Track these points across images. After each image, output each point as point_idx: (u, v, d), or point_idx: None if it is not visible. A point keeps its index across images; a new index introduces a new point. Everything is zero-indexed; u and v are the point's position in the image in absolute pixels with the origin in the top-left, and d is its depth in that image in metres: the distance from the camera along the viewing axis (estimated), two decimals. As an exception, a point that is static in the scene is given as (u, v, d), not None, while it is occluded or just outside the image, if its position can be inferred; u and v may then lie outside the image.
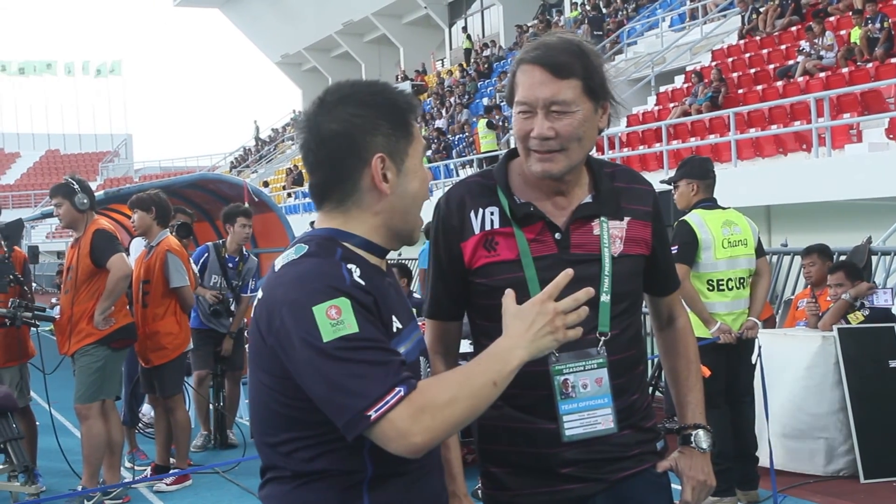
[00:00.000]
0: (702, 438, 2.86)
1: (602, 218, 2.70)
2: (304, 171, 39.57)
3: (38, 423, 7.97)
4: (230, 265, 9.18)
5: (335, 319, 2.10)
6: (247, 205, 9.95)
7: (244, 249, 9.41)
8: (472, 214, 2.69)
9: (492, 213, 2.68)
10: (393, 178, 2.28)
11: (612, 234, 2.69)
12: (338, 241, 2.28)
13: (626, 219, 2.73)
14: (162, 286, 7.75)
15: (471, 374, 2.17)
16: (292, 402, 2.20)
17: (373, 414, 2.05)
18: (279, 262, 2.27)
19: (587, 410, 2.62)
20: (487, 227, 2.67)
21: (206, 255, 9.19)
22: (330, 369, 2.09)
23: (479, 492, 2.82)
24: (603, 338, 2.64)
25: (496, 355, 2.19)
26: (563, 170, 2.63)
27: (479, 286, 2.68)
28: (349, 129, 2.25)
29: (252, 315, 2.30)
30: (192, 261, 8.76)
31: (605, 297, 2.64)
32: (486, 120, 26.83)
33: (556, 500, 2.67)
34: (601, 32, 29.15)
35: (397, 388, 2.07)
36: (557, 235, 2.66)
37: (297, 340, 2.11)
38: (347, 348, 2.08)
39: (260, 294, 2.27)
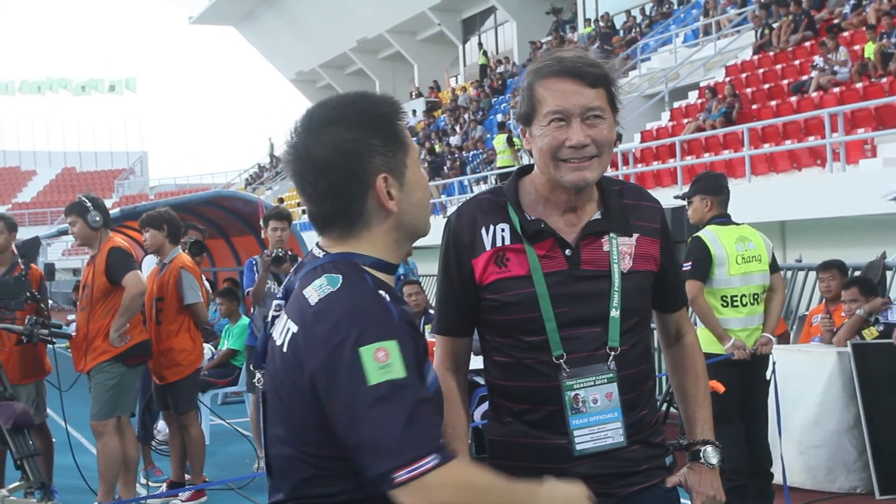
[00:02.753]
0: (710, 454, 2.87)
1: (612, 234, 2.74)
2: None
3: (54, 439, 8.00)
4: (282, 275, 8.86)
5: (384, 362, 2.03)
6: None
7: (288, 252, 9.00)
8: (484, 231, 2.72)
9: (503, 230, 2.71)
10: (397, 193, 2.25)
11: (621, 251, 2.73)
12: (359, 265, 2.23)
13: (636, 235, 2.77)
14: (176, 303, 7.79)
15: (511, 489, 2.18)
16: (317, 442, 2.16)
17: (401, 476, 1.99)
18: (312, 294, 2.16)
19: (597, 425, 2.66)
20: (499, 244, 2.71)
21: (253, 265, 8.92)
22: (368, 416, 2.02)
23: None
24: (613, 353, 2.68)
25: (535, 493, 2.21)
26: (596, 178, 2.68)
27: (489, 301, 2.70)
28: (345, 157, 2.19)
29: (280, 346, 2.23)
30: (244, 273, 8.70)
31: (614, 313, 2.68)
32: (506, 136, 26.79)
33: None
34: (610, 48, 29.16)
35: (435, 454, 2.01)
36: (568, 252, 2.70)
37: (340, 382, 2.05)
38: (391, 395, 2.02)
39: (294, 327, 2.18)
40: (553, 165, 2.66)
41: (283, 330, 2.23)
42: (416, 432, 2.02)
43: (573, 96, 2.63)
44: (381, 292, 2.16)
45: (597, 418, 2.66)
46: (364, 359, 2.03)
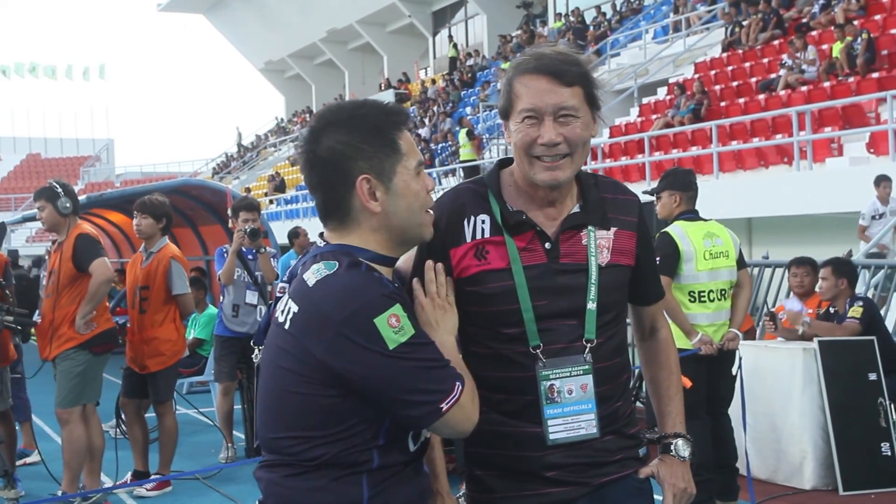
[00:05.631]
0: (682, 447, 2.92)
1: (590, 228, 2.76)
2: (285, 178, 39.53)
3: (17, 427, 7.94)
4: (249, 257, 8.89)
5: (396, 327, 2.34)
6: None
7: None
8: (466, 222, 2.73)
9: (483, 222, 2.73)
10: (382, 196, 2.48)
11: (599, 244, 2.75)
12: (355, 255, 2.47)
13: (613, 229, 2.79)
14: (163, 293, 7.75)
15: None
16: (329, 401, 2.39)
17: (444, 406, 2.38)
18: (310, 277, 2.42)
19: (571, 415, 2.69)
20: (479, 237, 2.72)
21: (224, 252, 8.90)
22: (400, 373, 2.34)
23: (462, 497, 2.85)
24: (589, 345, 2.71)
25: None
26: (569, 177, 2.70)
27: (469, 294, 2.71)
28: (333, 157, 2.47)
29: (282, 324, 2.46)
30: (216, 260, 8.78)
31: (591, 305, 2.71)
32: (467, 129, 26.89)
33: (541, 503, 2.71)
34: (584, 43, 29.23)
35: (457, 382, 2.41)
36: (547, 245, 2.71)
37: (362, 352, 2.33)
38: (412, 351, 2.35)
39: (295, 307, 2.43)
40: (527, 162, 2.68)
41: (285, 309, 2.46)
42: (443, 370, 2.41)
43: (546, 95, 2.64)
44: (375, 273, 2.44)
45: (571, 409, 2.69)
46: (380, 327, 2.32)
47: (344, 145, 2.46)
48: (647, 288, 2.97)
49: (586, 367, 2.70)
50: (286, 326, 2.43)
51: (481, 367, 2.69)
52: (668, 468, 2.89)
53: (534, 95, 2.64)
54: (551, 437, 2.69)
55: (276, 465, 2.47)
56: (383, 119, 2.50)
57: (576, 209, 2.76)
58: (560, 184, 2.69)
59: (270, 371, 2.49)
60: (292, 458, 2.43)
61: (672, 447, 2.91)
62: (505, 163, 2.85)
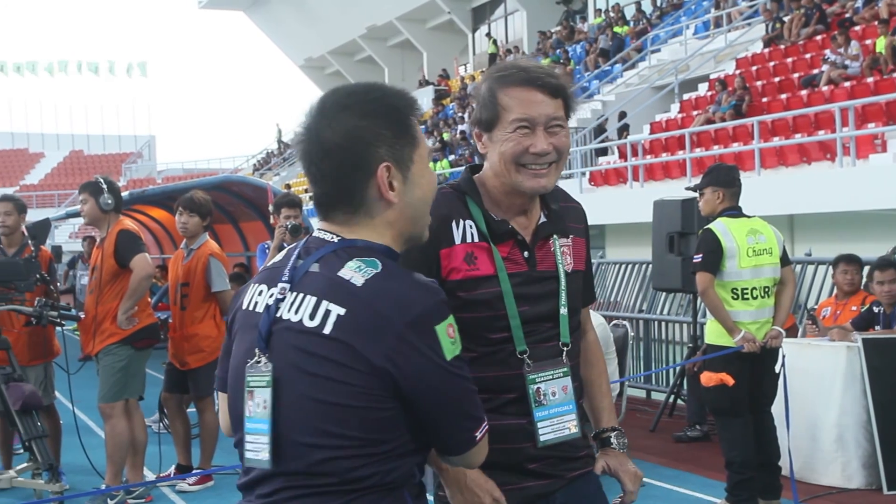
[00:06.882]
0: (619, 438, 3.06)
1: (555, 236, 2.93)
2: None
3: (61, 421, 8.02)
4: None
5: (453, 338, 2.17)
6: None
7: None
8: (454, 224, 2.82)
9: (470, 227, 2.83)
10: (399, 185, 2.27)
11: (562, 251, 2.93)
12: (380, 252, 2.25)
13: (571, 236, 2.98)
14: (203, 289, 7.80)
15: None
16: (387, 413, 2.15)
17: (479, 435, 2.25)
18: (354, 276, 2.17)
19: (556, 417, 2.83)
20: (468, 240, 2.82)
21: (266, 249, 8.95)
22: (454, 388, 2.18)
23: (435, 499, 2.89)
24: (565, 348, 2.88)
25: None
26: (552, 185, 2.85)
27: (457, 298, 2.75)
28: (353, 142, 2.23)
29: (316, 328, 2.16)
30: (258, 256, 8.77)
31: (563, 310, 2.88)
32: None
33: (524, 496, 2.82)
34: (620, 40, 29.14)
35: (483, 415, 2.27)
36: (525, 253, 2.86)
37: (424, 360, 2.13)
38: (461, 367, 2.19)
39: (338, 309, 2.14)
40: (514, 170, 2.79)
41: (312, 312, 2.18)
42: (477, 398, 2.25)
43: (539, 106, 2.77)
44: (415, 274, 2.23)
45: (556, 410, 2.83)
46: (440, 336, 2.14)
47: (364, 130, 2.23)
48: (587, 291, 3.10)
49: (565, 369, 2.86)
50: (325, 331, 2.14)
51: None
52: (616, 459, 3.02)
53: (527, 106, 2.77)
54: (542, 438, 2.82)
55: (317, 493, 2.17)
56: (401, 103, 2.30)
57: (542, 219, 2.91)
58: (546, 190, 2.84)
59: (299, 381, 2.18)
60: (337, 480, 2.15)
61: (612, 440, 3.05)
62: (475, 169, 2.95)
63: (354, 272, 2.18)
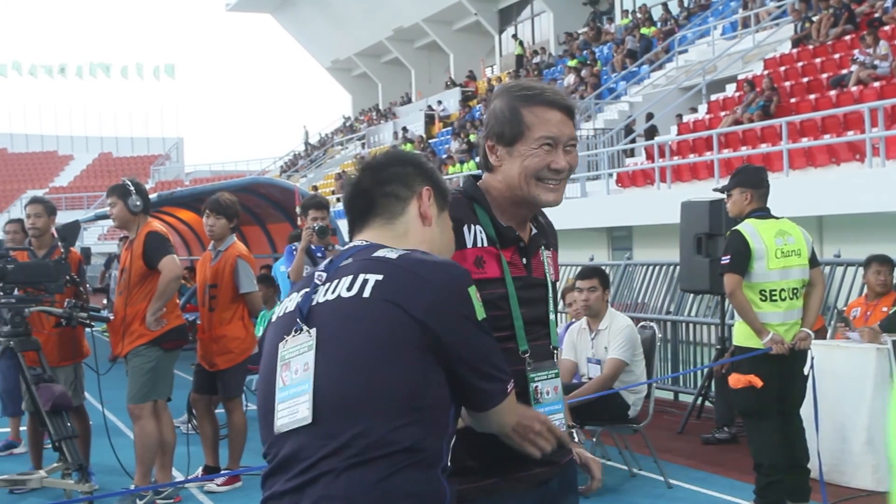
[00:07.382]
0: (578, 435, 3.37)
1: (542, 247, 3.13)
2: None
3: (91, 422, 8.07)
4: (318, 254, 8.93)
5: (480, 301, 2.41)
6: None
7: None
8: (466, 229, 2.95)
9: (480, 232, 2.98)
10: (434, 215, 2.61)
11: (548, 262, 3.14)
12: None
13: (551, 249, 3.20)
14: (231, 291, 7.84)
15: None
16: (423, 369, 2.31)
17: (509, 388, 2.49)
18: (389, 253, 2.41)
19: (551, 414, 2.97)
20: (478, 245, 2.97)
21: (293, 251, 8.96)
22: (485, 343, 2.41)
23: None
24: (556, 351, 3.09)
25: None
26: (561, 199, 3.03)
27: None
28: (401, 175, 2.59)
29: (356, 295, 2.34)
30: (285, 258, 8.82)
31: (552, 316, 3.11)
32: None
33: (531, 483, 2.95)
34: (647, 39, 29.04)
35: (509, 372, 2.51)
36: (524, 260, 3.04)
37: (459, 318, 2.35)
38: (489, 329, 2.43)
39: (376, 276, 2.35)
40: (533, 184, 2.96)
41: (350, 285, 2.36)
42: (502, 357, 2.49)
43: (563, 126, 2.96)
44: None
45: (550, 408, 2.99)
46: (472, 297, 2.39)
47: (411, 173, 2.60)
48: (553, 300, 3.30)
49: (556, 370, 3.05)
50: (365, 295, 2.31)
51: None
52: (581, 450, 3.21)
53: (554, 126, 2.95)
54: None
55: (360, 463, 2.21)
56: (426, 162, 2.68)
57: (534, 230, 3.11)
58: (557, 204, 3.02)
59: (339, 343, 2.30)
60: (374, 441, 2.21)
61: (574, 435, 3.27)
62: (478, 177, 3.10)
63: (388, 252, 2.42)
